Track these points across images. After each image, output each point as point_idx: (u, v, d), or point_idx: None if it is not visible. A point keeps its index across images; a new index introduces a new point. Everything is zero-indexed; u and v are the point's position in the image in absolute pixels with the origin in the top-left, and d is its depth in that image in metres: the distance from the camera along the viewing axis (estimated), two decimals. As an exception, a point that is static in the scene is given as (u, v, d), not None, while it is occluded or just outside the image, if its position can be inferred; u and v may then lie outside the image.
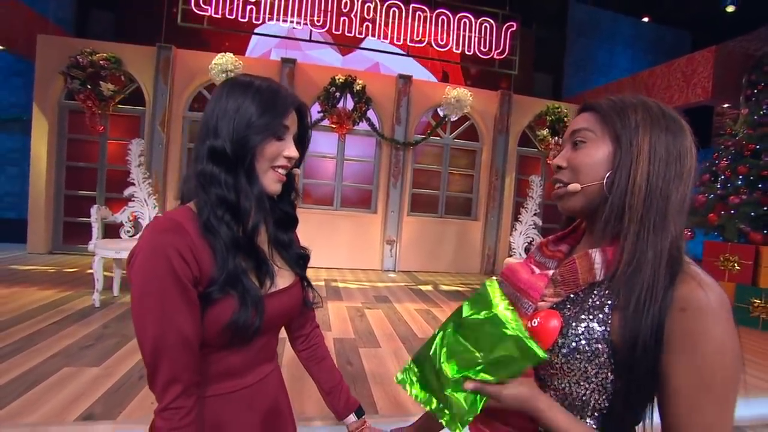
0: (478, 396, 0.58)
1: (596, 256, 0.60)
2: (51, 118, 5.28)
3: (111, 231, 3.63)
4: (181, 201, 0.82)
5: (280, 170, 0.80)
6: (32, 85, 5.27)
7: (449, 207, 6.52)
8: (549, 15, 9.15)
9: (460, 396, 0.58)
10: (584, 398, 0.59)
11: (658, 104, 0.62)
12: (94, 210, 3.35)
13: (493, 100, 6.37)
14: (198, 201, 0.76)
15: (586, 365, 0.57)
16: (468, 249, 6.45)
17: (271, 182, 0.80)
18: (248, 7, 5.33)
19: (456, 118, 6.19)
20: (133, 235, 3.64)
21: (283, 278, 0.85)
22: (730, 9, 7.13)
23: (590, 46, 9.68)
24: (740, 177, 4.50)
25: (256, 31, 6.31)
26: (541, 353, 0.53)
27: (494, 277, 0.60)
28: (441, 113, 6.20)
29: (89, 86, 5.04)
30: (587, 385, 0.58)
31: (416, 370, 0.64)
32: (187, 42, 5.58)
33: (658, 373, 0.54)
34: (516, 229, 4.61)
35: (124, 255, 3.32)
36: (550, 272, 0.66)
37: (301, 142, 0.87)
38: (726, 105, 5.98)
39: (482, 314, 0.56)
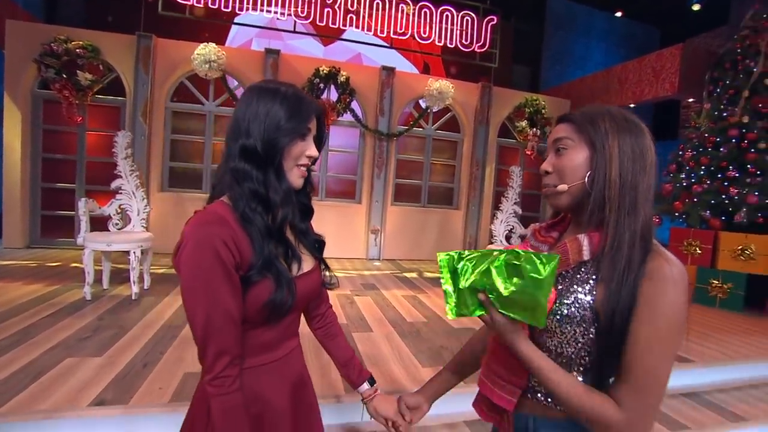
0: (480, 307, 0.72)
1: (584, 240, 0.73)
2: (24, 108, 5.08)
3: (95, 224, 3.59)
4: (211, 196, 0.92)
5: (303, 167, 0.91)
6: (2, 74, 5.06)
7: (431, 197, 6.68)
8: (528, 8, 9.34)
9: (470, 297, 0.72)
10: (572, 356, 0.73)
11: (621, 111, 0.76)
12: (81, 203, 3.31)
13: (474, 92, 6.51)
14: (232, 195, 0.85)
15: (575, 329, 0.71)
16: (450, 237, 6.64)
17: (296, 178, 0.90)
18: (231, -3, 5.25)
19: (438, 110, 6.31)
20: (122, 228, 3.63)
21: (307, 262, 0.96)
22: (696, 7, 7.47)
23: (567, 39, 9.93)
24: (702, 167, 4.81)
25: (237, 20, 6.22)
26: (543, 323, 0.67)
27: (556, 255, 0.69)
28: (423, 105, 6.31)
29: (65, 75, 4.88)
30: (576, 344, 0.72)
31: (456, 259, 0.74)
32: (163, 31, 5.42)
33: (628, 332, 0.68)
34: (497, 218, 4.78)
35: (115, 247, 3.32)
36: (545, 255, 0.80)
37: (319, 142, 0.97)
38: (691, 99, 6.31)
39: (533, 274, 0.66)
